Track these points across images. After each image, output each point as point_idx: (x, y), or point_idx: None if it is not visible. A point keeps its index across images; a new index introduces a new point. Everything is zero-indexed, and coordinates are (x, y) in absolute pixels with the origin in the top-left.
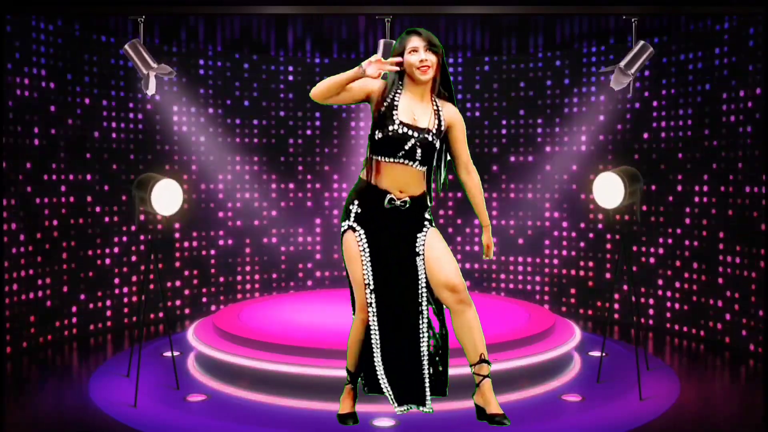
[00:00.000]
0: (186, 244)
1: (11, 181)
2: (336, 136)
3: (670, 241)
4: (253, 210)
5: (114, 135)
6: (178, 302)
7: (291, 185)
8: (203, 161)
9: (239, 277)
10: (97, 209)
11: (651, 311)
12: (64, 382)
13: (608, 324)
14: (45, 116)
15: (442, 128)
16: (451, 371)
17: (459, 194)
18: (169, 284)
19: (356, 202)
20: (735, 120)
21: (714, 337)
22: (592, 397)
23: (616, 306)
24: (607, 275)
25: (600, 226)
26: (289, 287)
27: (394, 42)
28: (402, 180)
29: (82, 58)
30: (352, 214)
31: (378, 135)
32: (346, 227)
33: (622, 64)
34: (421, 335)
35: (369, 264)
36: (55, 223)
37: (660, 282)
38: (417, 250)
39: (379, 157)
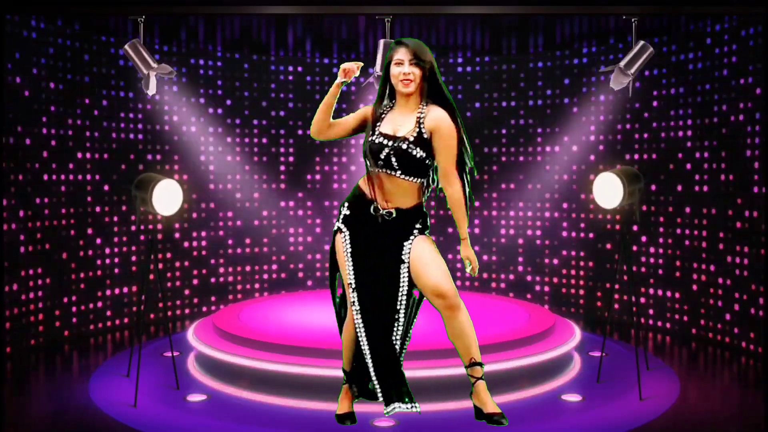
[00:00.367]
0: (186, 244)
1: (11, 181)
2: None
3: (670, 240)
4: (254, 210)
5: (114, 135)
6: (178, 302)
7: (291, 185)
8: (203, 161)
9: (239, 277)
10: (97, 209)
11: (651, 311)
12: (64, 382)
13: (608, 324)
14: (45, 116)
15: (424, 135)
16: (451, 371)
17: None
18: (169, 284)
19: (347, 205)
20: (735, 120)
21: (714, 337)
22: (592, 397)
23: (616, 306)
24: (607, 275)
25: (600, 225)
26: (290, 287)
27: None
28: (390, 190)
29: (82, 58)
30: (341, 216)
31: (364, 147)
32: (335, 228)
33: (622, 63)
34: (394, 340)
35: (351, 264)
36: (54, 223)
37: (660, 282)
38: (402, 257)
39: (368, 168)
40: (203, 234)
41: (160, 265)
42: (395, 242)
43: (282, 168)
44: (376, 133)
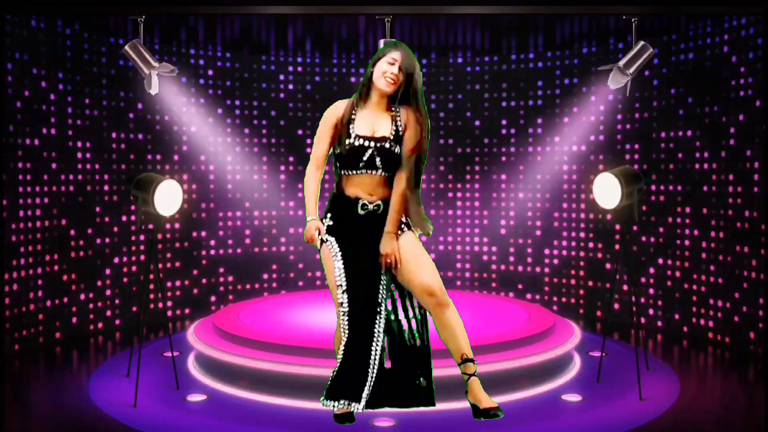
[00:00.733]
0: (186, 244)
1: (11, 181)
2: None
3: (669, 241)
4: (253, 210)
5: (114, 135)
6: (178, 302)
7: (291, 185)
8: (203, 161)
9: (239, 277)
10: (98, 209)
11: (651, 311)
12: (64, 382)
13: (608, 324)
14: (45, 116)
15: (401, 133)
16: (451, 371)
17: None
18: (169, 284)
19: (329, 215)
20: (735, 120)
21: (714, 337)
22: (592, 397)
23: (616, 306)
24: (607, 275)
25: (600, 225)
26: (290, 287)
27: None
28: (369, 186)
29: (82, 58)
30: (324, 227)
31: (337, 151)
32: (322, 239)
33: (621, 63)
34: (375, 335)
35: (342, 266)
36: (55, 222)
37: (660, 281)
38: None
39: (343, 171)
40: (203, 234)
41: (160, 265)
42: (380, 235)
43: (282, 168)
44: (353, 135)
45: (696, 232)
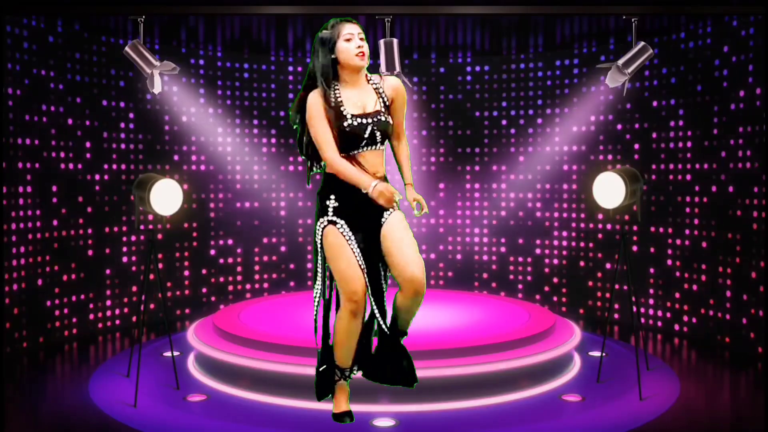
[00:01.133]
0: (186, 243)
1: (11, 181)
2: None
3: (669, 241)
4: (254, 210)
5: (114, 135)
6: (178, 302)
7: (291, 185)
8: (203, 161)
9: (239, 277)
10: (97, 209)
11: (651, 311)
12: (64, 382)
13: (608, 324)
14: (45, 116)
15: (387, 103)
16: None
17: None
18: (169, 284)
19: (332, 197)
20: (735, 120)
21: (714, 337)
22: (592, 397)
23: (616, 306)
24: (607, 275)
25: (600, 225)
26: (290, 287)
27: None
28: (372, 164)
29: (83, 58)
30: (330, 210)
31: (337, 132)
32: (325, 223)
33: (620, 62)
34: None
35: (359, 251)
36: (54, 223)
37: (660, 282)
38: (381, 222)
39: (344, 153)
40: (203, 234)
41: (160, 265)
42: (379, 212)
43: (282, 168)
44: (348, 116)
45: (696, 232)
